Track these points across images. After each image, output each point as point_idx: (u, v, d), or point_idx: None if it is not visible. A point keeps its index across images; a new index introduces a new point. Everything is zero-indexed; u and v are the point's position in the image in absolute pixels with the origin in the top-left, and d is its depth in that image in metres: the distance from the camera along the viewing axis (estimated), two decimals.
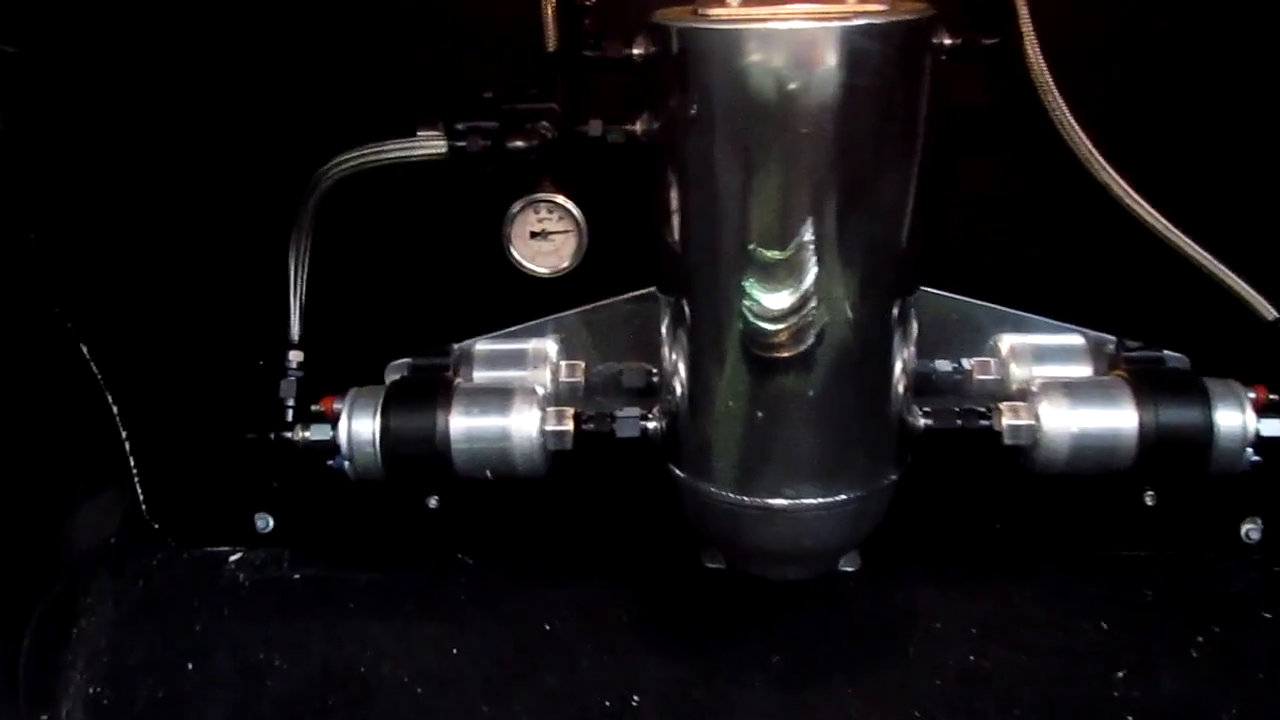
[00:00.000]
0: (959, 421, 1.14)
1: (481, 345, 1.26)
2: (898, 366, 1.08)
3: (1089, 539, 1.37)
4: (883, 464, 1.10)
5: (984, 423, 1.14)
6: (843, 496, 1.07)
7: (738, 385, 1.04)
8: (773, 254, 0.96)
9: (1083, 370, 1.22)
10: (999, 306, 1.22)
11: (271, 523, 1.44)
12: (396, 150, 1.08)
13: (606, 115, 1.06)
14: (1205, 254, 1.14)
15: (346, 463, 1.16)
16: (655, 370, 1.21)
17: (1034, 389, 1.15)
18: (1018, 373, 1.22)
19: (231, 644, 1.36)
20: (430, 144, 1.06)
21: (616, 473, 1.27)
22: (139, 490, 1.45)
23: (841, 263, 0.98)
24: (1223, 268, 1.14)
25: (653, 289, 1.15)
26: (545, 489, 1.22)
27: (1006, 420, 1.13)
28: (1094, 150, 1.09)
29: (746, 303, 0.98)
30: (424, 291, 1.25)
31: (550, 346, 1.26)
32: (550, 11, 1.07)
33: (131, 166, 1.26)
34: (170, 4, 1.16)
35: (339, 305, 1.26)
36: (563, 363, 1.26)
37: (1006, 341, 1.24)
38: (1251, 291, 1.14)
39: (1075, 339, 1.22)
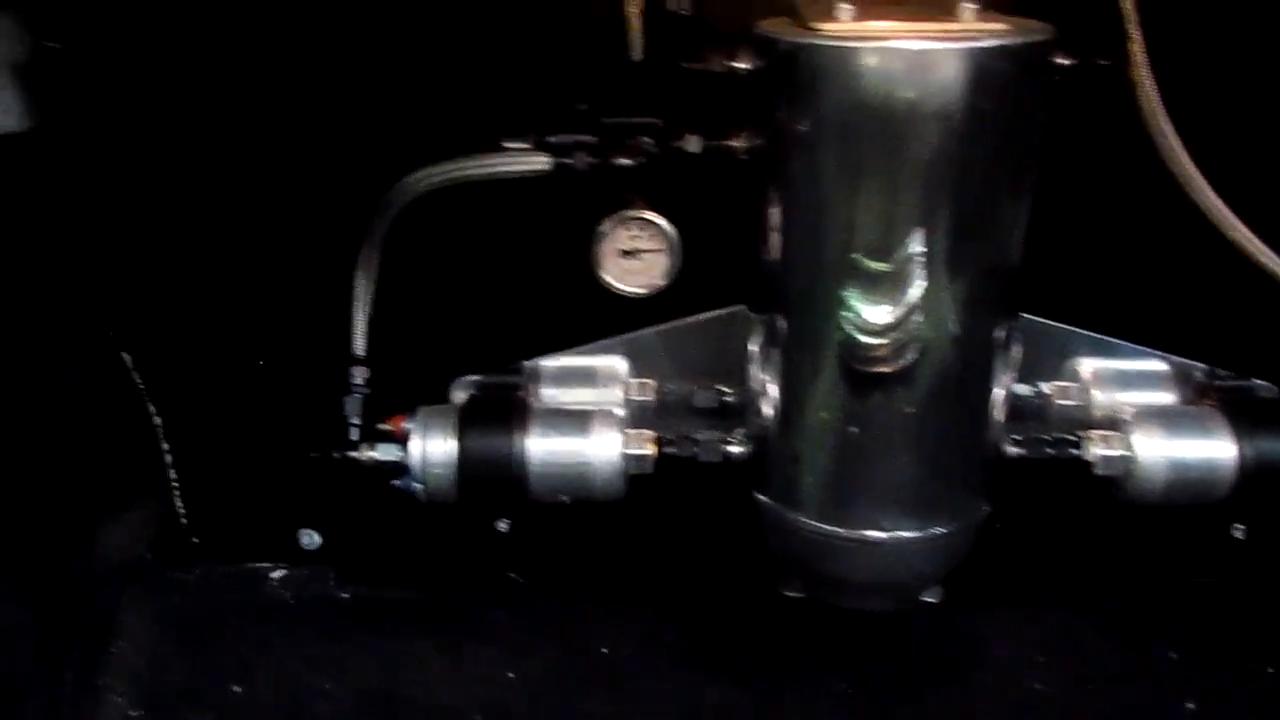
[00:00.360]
0: (1050, 450, 1.11)
1: (549, 362, 1.21)
2: (998, 393, 1.05)
3: (1164, 566, 1.35)
4: (977, 495, 1.07)
5: (1074, 452, 1.11)
6: (936, 530, 1.04)
7: (833, 405, 1.00)
8: (877, 266, 0.93)
9: (1167, 398, 1.19)
10: (1081, 330, 1.19)
11: (318, 539, 1.40)
12: (495, 165, 1.03)
13: (702, 129, 1.02)
14: None
15: (418, 485, 1.11)
16: (729, 391, 1.17)
17: (1126, 417, 1.12)
18: (1100, 398, 1.19)
19: (276, 666, 1.31)
20: (533, 160, 1.02)
21: (680, 496, 1.23)
22: (179, 504, 1.40)
23: (947, 281, 0.94)
24: None
25: (735, 308, 1.12)
26: (608, 511, 1.18)
27: (1098, 450, 1.11)
28: (1197, 173, 1.06)
29: (846, 313, 0.94)
30: (494, 308, 1.21)
31: (620, 365, 1.22)
32: (635, 19, 1.03)
33: (180, 171, 1.21)
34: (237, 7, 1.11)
35: (398, 320, 1.21)
36: (633, 381, 1.22)
37: (1088, 366, 1.21)
38: None
39: (1158, 364, 1.20)
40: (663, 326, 1.19)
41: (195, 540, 1.41)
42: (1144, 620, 1.36)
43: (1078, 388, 1.20)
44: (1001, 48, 0.87)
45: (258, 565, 1.42)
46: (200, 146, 1.18)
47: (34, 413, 1.26)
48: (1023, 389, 1.21)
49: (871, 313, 0.94)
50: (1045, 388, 1.21)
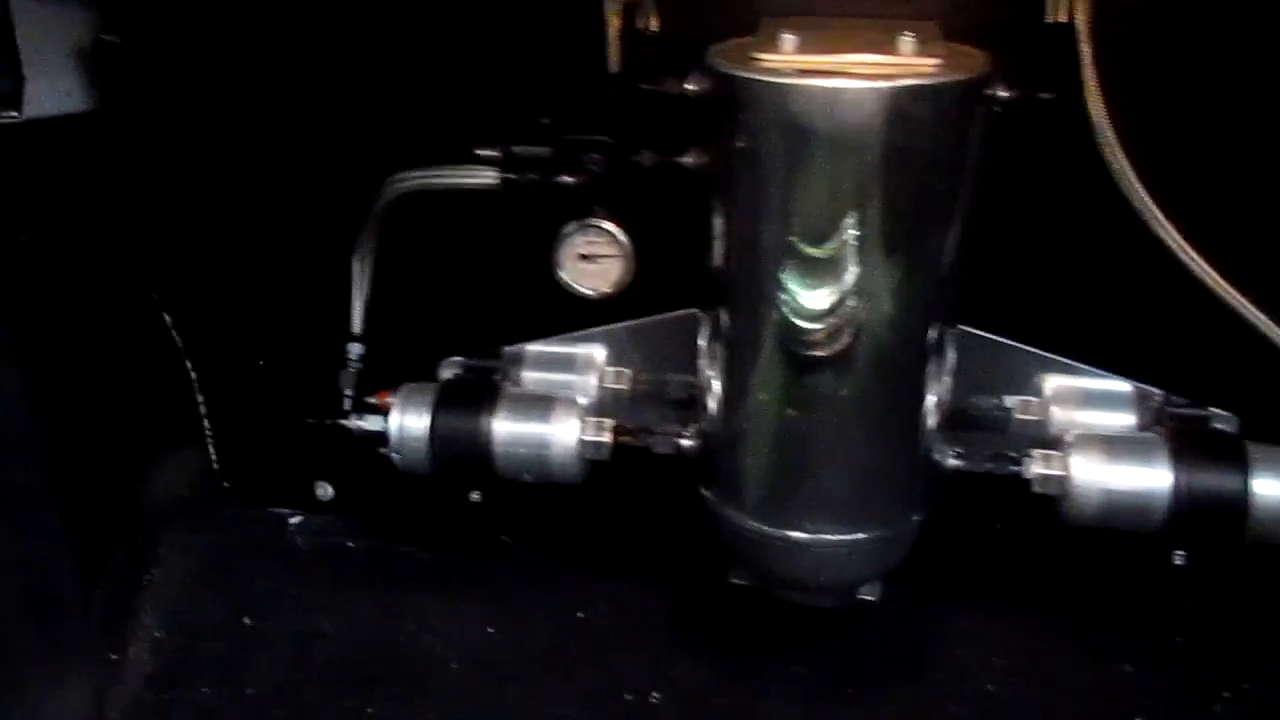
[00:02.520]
0: (989, 465, 1.15)
1: (533, 348, 1.30)
2: (930, 399, 1.09)
3: (1131, 582, 1.37)
4: (909, 501, 1.12)
5: (1014, 468, 1.14)
6: (863, 535, 1.09)
7: (771, 389, 1.05)
8: (812, 250, 0.97)
9: (1127, 419, 1.20)
10: (1047, 353, 1.21)
11: (331, 491, 1.52)
12: (452, 177, 1.12)
13: (659, 144, 1.08)
14: (1261, 315, 1.12)
15: (395, 455, 1.22)
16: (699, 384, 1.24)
17: (1069, 439, 1.15)
18: (1059, 415, 1.21)
19: (287, 606, 1.45)
20: (484, 175, 1.10)
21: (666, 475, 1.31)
22: (212, 451, 1.54)
23: (878, 277, 0.99)
24: (1272, 325, 1.12)
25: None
26: (599, 484, 1.26)
27: (1037, 469, 1.14)
28: (1151, 203, 1.08)
29: (785, 297, 0.99)
30: (483, 296, 1.30)
31: (599, 353, 1.29)
32: (615, 36, 1.09)
33: (221, 157, 1.33)
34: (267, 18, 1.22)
35: (403, 302, 1.31)
36: (609, 369, 1.29)
37: (1051, 383, 1.23)
38: None
39: (1122, 386, 1.21)
40: (636, 321, 1.25)
41: (226, 485, 1.55)
42: (1110, 632, 1.38)
43: (1039, 403, 1.23)
44: (915, 88, 0.90)
45: (279, 510, 1.56)
46: (230, 140, 1.30)
47: (86, 364, 1.41)
48: (985, 401, 1.24)
49: (808, 297, 0.99)
50: (1008, 401, 1.24)
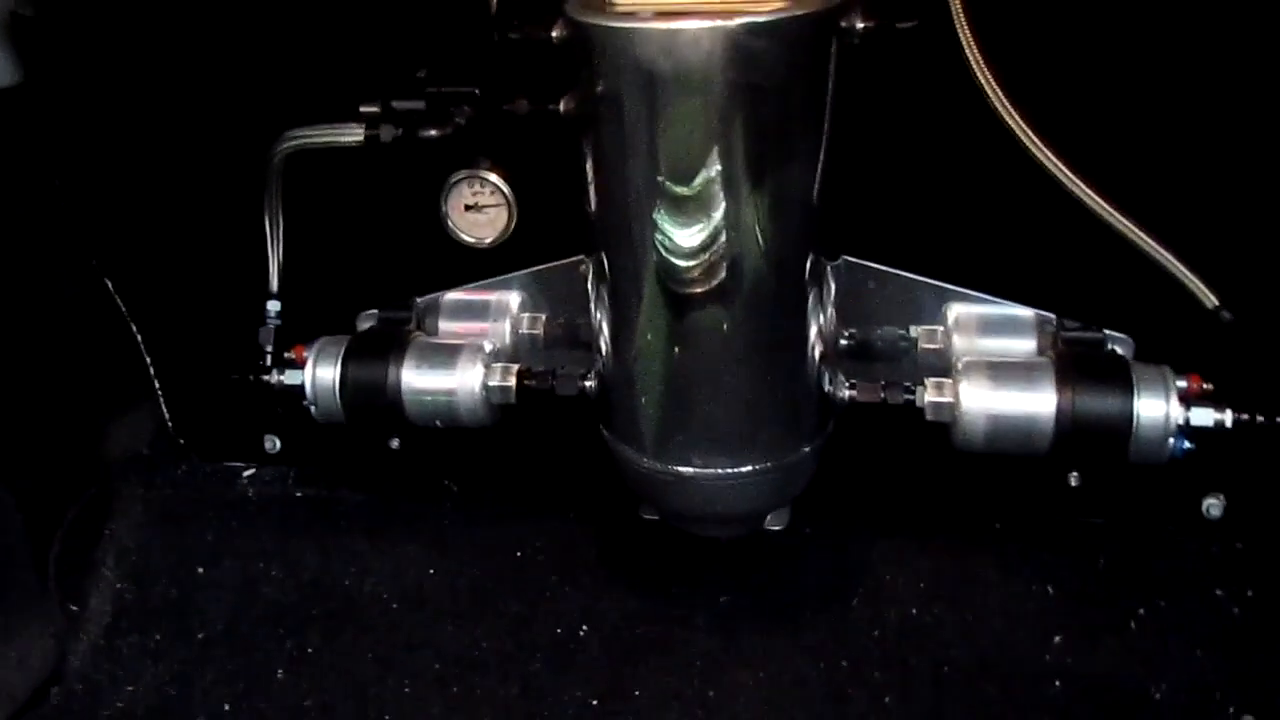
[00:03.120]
0: (882, 395, 1.16)
1: (449, 296, 1.33)
2: (813, 329, 1.10)
3: (1051, 505, 1.39)
4: (796, 432, 1.14)
5: (907, 397, 1.16)
6: (753, 467, 1.11)
7: (651, 336, 1.08)
8: (679, 189, 0.99)
9: (1027, 343, 1.22)
10: (945, 284, 1.22)
11: (279, 443, 1.57)
12: (325, 135, 1.15)
13: (538, 92, 1.10)
14: (1146, 238, 1.12)
15: (312, 406, 1.26)
16: None
17: (959, 367, 1.16)
18: (960, 343, 1.23)
19: (236, 553, 1.50)
20: (350, 133, 1.13)
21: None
22: (165, 410, 1.59)
23: (746, 211, 1.01)
24: (1164, 252, 1.12)
25: None
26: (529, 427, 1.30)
27: (929, 397, 1.15)
28: (1029, 132, 1.07)
29: (660, 238, 1.01)
30: (392, 250, 1.33)
31: (513, 299, 1.32)
32: None
33: (138, 126, 1.36)
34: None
35: (323, 259, 1.34)
36: (525, 315, 1.32)
37: (954, 311, 1.24)
38: (1193, 277, 1.12)
39: (1020, 312, 1.22)
40: (543, 266, 1.28)
41: (181, 441, 1.60)
42: (1031, 556, 1.39)
43: (942, 331, 1.24)
44: (754, 25, 0.91)
45: (232, 464, 1.61)
46: (144, 109, 1.33)
47: (31, 332, 1.46)
48: (890, 331, 1.26)
49: (681, 235, 1.01)
50: (913, 330, 1.25)
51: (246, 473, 1.62)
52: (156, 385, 1.58)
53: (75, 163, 1.43)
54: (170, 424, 1.61)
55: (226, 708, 1.29)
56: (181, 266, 1.49)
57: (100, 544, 1.52)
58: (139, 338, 1.54)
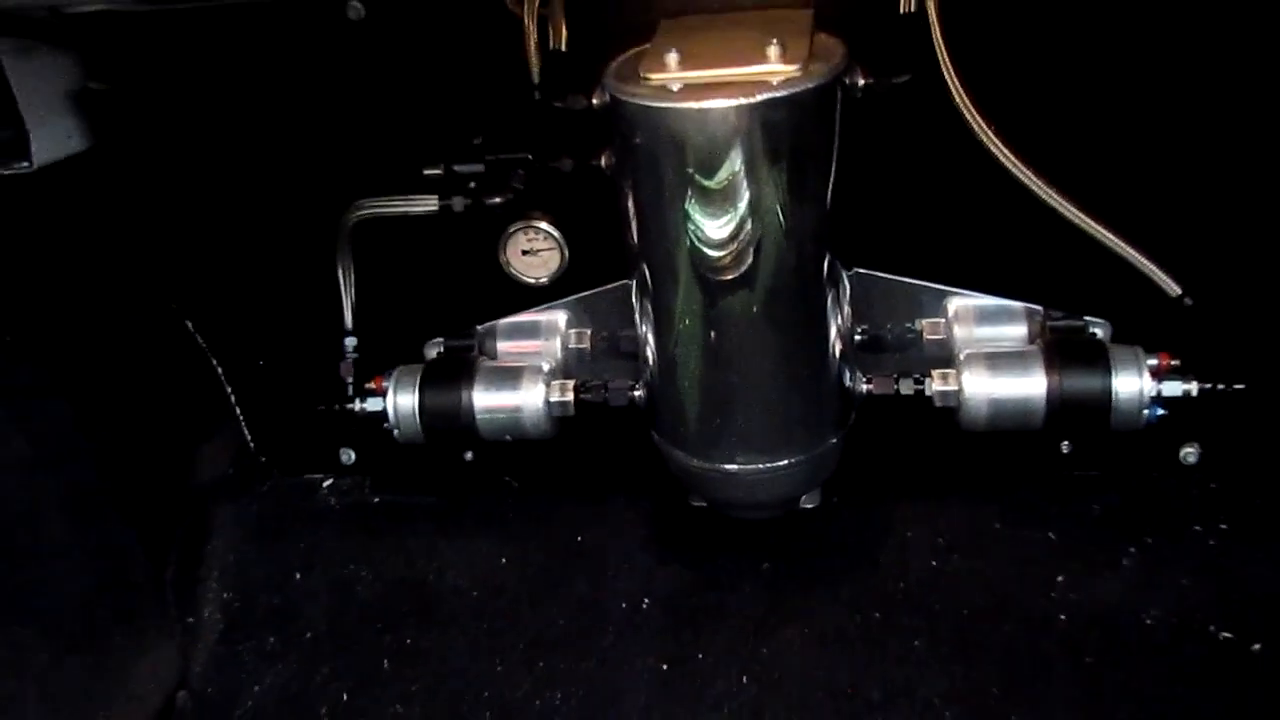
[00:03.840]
0: (896, 387, 1.34)
1: (504, 321, 1.50)
2: (833, 333, 1.27)
3: (1051, 461, 1.56)
4: (824, 426, 1.32)
5: (918, 387, 1.34)
6: (789, 460, 1.29)
7: (693, 351, 1.24)
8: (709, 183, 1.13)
9: (1018, 330, 1.39)
10: (944, 287, 1.39)
11: (353, 455, 1.75)
12: (399, 206, 1.31)
13: (578, 147, 1.26)
14: (1118, 239, 1.28)
15: (395, 430, 1.43)
16: None
17: (961, 358, 1.33)
18: (960, 333, 1.40)
19: (327, 559, 1.69)
20: (425, 203, 1.29)
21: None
22: (246, 432, 1.77)
23: (770, 242, 1.17)
24: (1134, 251, 1.29)
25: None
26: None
27: (936, 386, 1.33)
28: (1012, 156, 1.23)
29: (693, 227, 1.15)
30: (460, 287, 1.50)
31: (560, 318, 1.49)
32: (533, 58, 1.25)
33: (209, 184, 1.52)
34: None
35: (390, 298, 1.51)
36: (571, 331, 1.49)
37: (953, 305, 1.41)
38: (1158, 271, 1.29)
39: (1010, 305, 1.39)
40: (586, 293, 1.45)
41: (262, 459, 1.78)
42: (1034, 510, 1.58)
43: (944, 323, 1.41)
44: (771, 101, 1.06)
45: (311, 477, 1.79)
46: (216, 170, 1.49)
47: (122, 375, 1.62)
48: (898, 327, 1.43)
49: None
50: (919, 324, 1.43)
51: (325, 483, 1.79)
52: (237, 411, 1.75)
53: (154, 220, 1.58)
54: (252, 444, 1.78)
55: (345, 698, 1.48)
56: (252, 306, 1.65)
57: (204, 560, 1.70)
58: (219, 370, 1.71)
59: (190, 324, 1.67)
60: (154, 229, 1.59)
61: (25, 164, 1.42)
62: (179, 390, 1.72)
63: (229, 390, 1.73)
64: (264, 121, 1.44)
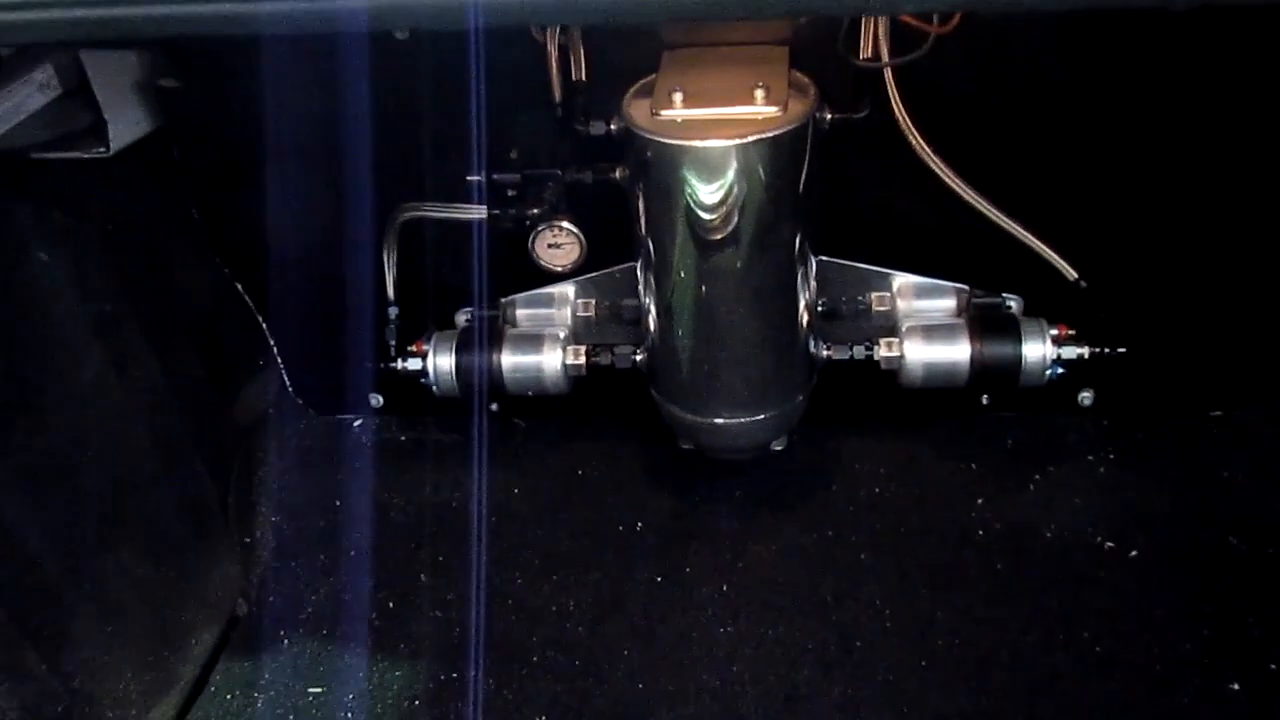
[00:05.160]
0: (850, 353, 1.65)
1: (523, 295, 1.77)
2: (801, 305, 1.56)
3: (975, 404, 1.89)
4: (793, 386, 1.62)
5: (869, 354, 1.65)
6: (764, 415, 1.60)
7: (688, 327, 1.53)
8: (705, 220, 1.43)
9: (949, 304, 1.70)
10: (889, 270, 1.70)
11: (382, 400, 2.02)
12: (446, 212, 1.58)
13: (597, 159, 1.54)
14: (1028, 234, 1.59)
15: (434, 386, 1.72)
16: None
17: (903, 330, 1.64)
18: (902, 306, 1.71)
19: (363, 488, 1.97)
20: (474, 211, 1.56)
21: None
22: (286, 378, 2.03)
23: (752, 235, 1.45)
24: (1041, 244, 1.60)
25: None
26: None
27: (882, 352, 1.64)
28: (944, 167, 1.53)
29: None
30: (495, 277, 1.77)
31: (570, 290, 1.77)
32: (556, 82, 1.51)
33: (278, 176, 1.75)
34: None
35: (429, 278, 1.78)
36: (579, 301, 1.77)
37: (897, 282, 1.72)
38: (1056, 258, 1.60)
39: (942, 284, 1.70)
40: (592, 274, 1.72)
41: (299, 401, 2.05)
42: (959, 444, 1.90)
43: (890, 296, 1.72)
44: (756, 142, 1.34)
45: (343, 417, 2.06)
46: (270, 162, 1.72)
47: (178, 321, 1.87)
48: (851, 301, 1.73)
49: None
50: (869, 297, 1.73)
51: (356, 423, 2.07)
52: (278, 359, 2.01)
53: (208, 194, 1.82)
54: (290, 388, 2.05)
55: (391, 605, 1.77)
56: (291, 267, 1.89)
57: (254, 489, 1.98)
58: (263, 324, 1.96)
59: (240, 286, 1.91)
60: (212, 206, 1.83)
61: (103, 149, 1.64)
62: (226, 341, 1.97)
63: (270, 342, 1.98)
64: (315, 120, 1.67)
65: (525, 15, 0.99)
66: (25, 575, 1.42)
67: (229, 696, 1.64)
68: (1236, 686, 1.48)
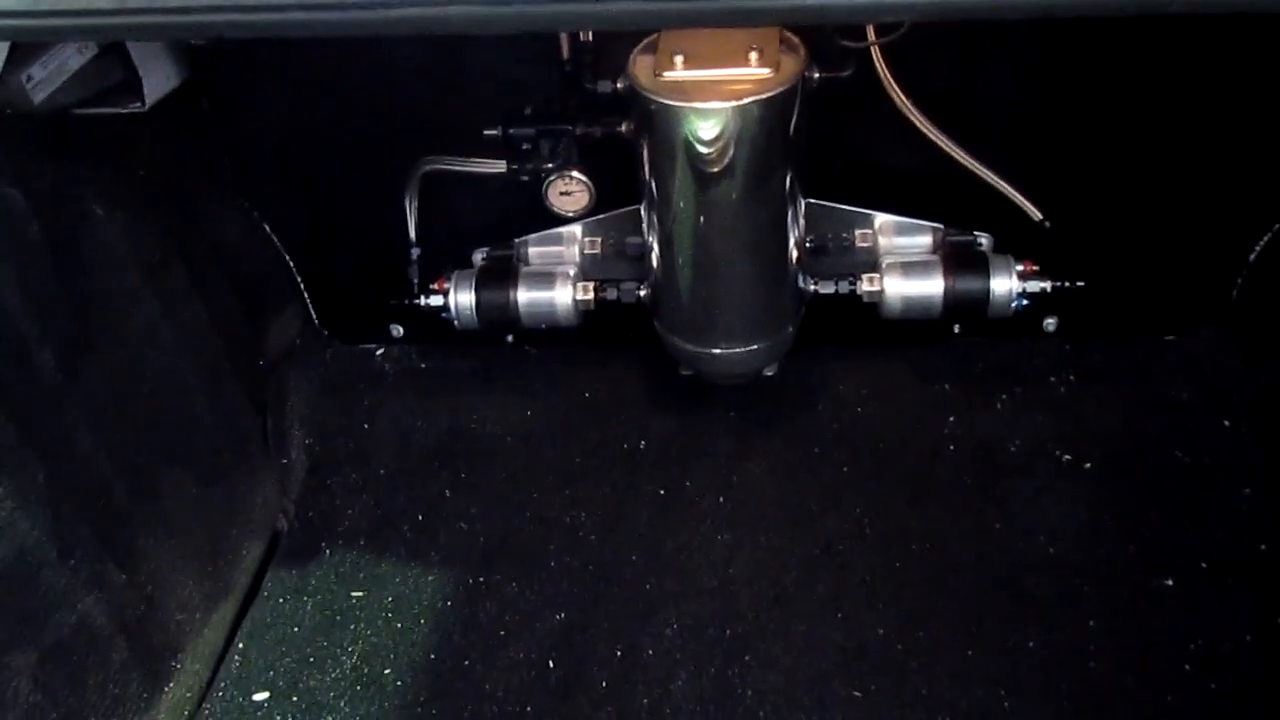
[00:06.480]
0: (835, 287, 1.81)
1: (535, 235, 1.93)
2: (791, 242, 1.72)
3: (948, 332, 2.06)
4: (784, 318, 1.79)
5: (851, 288, 1.81)
6: (758, 345, 1.77)
7: (689, 262, 1.69)
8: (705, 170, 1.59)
9: (925, 241, 1.86)
10: (871, 211, 1.85)
11: (402, 330, 2.18)
12: (466, 165, 1.72)
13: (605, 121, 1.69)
14: (997, 178, 1.75)
15: (455, 320, 1.88)
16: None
17: (883, 266, 1.81)
18: (883, 242, 1.87)
19: (388, 413, 2.14)
20: (494, 165, 1.70)
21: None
22: (312, 312, 2.19)
23: (748, 177, 1.59)
24: (1008, 187, 1.75)
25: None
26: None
27: (864, 287, 1.80)
28: (923, 119, 1.68)
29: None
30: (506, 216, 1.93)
31: (578, 230, 1.92)
32: (566, 53, 1.65)
33: (304, 117, 1.89)
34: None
35: (453, 222, 1.92)
36: (586, 239, 1.92)
37: (878, 221, 1.88)
38: (1023, 199, 1.76)
39: (919, 223, 1.86)
40: (600, 215, 1.87)
41: (325, 332, 2.21)
42: (934, 366, 2.08)
43: (871, 233, 1.88)
44: (751, 104, 1.49)
45: (366, 346, 2.22)
46: (300, 112, 1.85)
47: (215, 263, 2.01)
48: (837, 237, 1.89)
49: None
50: (853, 234, 1.89)
51: (379, 352, 2.23)
52: (305, 293, 2.16)
53: (237, 142, 1.95)
54: (316, 321, 2.20)
55: (420, 518, 1.95)
56: (316, 209, 2.04)
57: (285, 415, 2.15)
58: (290, 262, 2.11)
59: (267, 226, 2.06)
60: (241, 153, 1.96)
61: (139, 104, 1.77)
62: (258, 280, 2.12)
63: (298, 279, 2.13)
64: (338, 73, 1.80)
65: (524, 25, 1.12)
66: (101, 498, 1.59)
67: (280, 600, 1.83)
68: (1170, 583, 1.69)
